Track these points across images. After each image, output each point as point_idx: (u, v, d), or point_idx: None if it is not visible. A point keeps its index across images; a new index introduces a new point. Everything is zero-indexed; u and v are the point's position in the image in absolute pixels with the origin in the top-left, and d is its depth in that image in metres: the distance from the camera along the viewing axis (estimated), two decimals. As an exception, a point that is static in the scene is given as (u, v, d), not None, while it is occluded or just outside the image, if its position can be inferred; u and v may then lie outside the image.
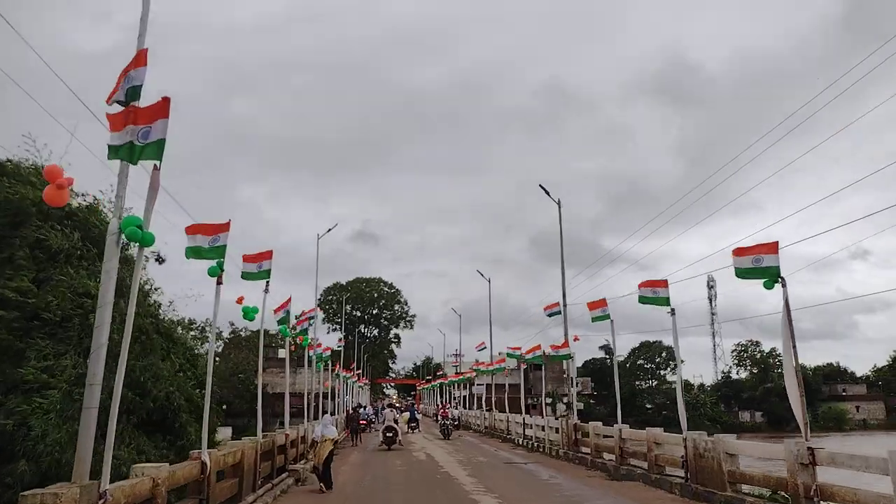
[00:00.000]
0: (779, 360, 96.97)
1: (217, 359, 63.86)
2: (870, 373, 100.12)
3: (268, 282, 12.43)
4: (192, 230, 8.63)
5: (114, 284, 5.38)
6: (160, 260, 17.19)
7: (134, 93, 5.61)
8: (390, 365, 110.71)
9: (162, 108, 5.58)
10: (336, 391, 37.86)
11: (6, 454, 10.96)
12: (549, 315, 21.45)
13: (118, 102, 5.59)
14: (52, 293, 12.37)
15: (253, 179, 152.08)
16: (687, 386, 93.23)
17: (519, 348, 27.56)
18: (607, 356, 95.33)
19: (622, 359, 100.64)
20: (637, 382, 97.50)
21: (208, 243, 8.46)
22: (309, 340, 19.31)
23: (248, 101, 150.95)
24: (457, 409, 43.20)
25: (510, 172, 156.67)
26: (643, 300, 13.07)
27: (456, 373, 58.65)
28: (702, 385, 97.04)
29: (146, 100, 5.65)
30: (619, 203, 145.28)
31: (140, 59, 5.79)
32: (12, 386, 11.54)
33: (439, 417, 31.96)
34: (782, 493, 9.57)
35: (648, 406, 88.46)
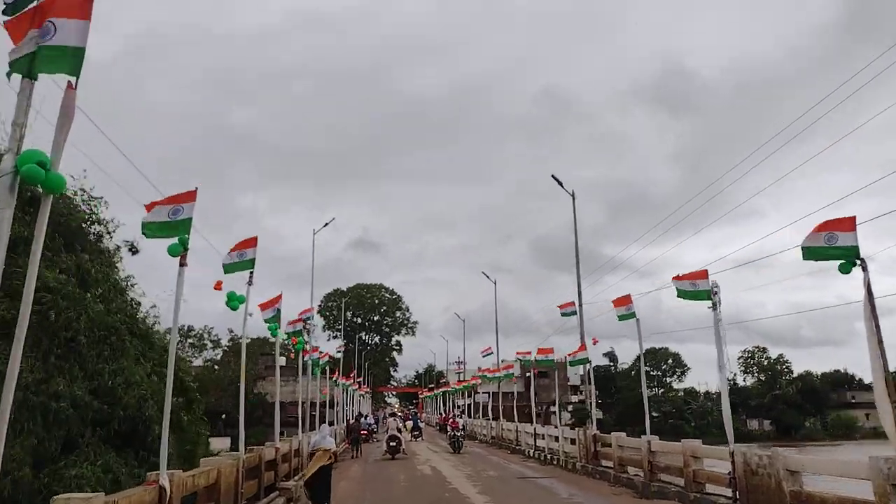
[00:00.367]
0: (786, 367, 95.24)
1: (216, 367, 62.46)
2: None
3: (251, 272, 10.90)
4: (151, 206, 7.08)
5: (3, 244, 3.81)
6: (133, 250, 15.62)
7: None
8: (392, 373, 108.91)
9: (80, 6, 4.05)
10: (336, 400, 36.19)
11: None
12: (564, 315, 19.88)
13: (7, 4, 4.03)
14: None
15: (253, 188, 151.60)
16: (693, 394, 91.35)
17: (529, 353, 25.95)
18: (611, 363, 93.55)
19: (626, 366, 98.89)
20: (642, 390, 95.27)
21: (168, 215, 6.88)
22: (304, 343, 17.67)
23: (247, 109, 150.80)
24: (461, 417, 41.42)
25: (510, 180, 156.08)
26: (682, 295, 11.42)
27: (459, 380, 56.94)
28: (707, 393, 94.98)
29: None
30: (619, 210, 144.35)
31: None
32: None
33: (448, 428, 29.40)
34: (865, 520, 7.95)
35: (655, 414, 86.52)
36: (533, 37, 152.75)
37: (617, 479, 15.63)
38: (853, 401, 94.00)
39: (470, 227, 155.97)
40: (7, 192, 3.92)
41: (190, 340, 63.42)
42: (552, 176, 20.89)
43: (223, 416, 61.16)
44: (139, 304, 15.22)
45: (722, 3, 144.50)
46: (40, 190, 4.35)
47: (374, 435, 38.02)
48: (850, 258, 8.06)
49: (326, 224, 24.69)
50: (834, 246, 8.17)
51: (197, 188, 7.16)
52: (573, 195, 20.77)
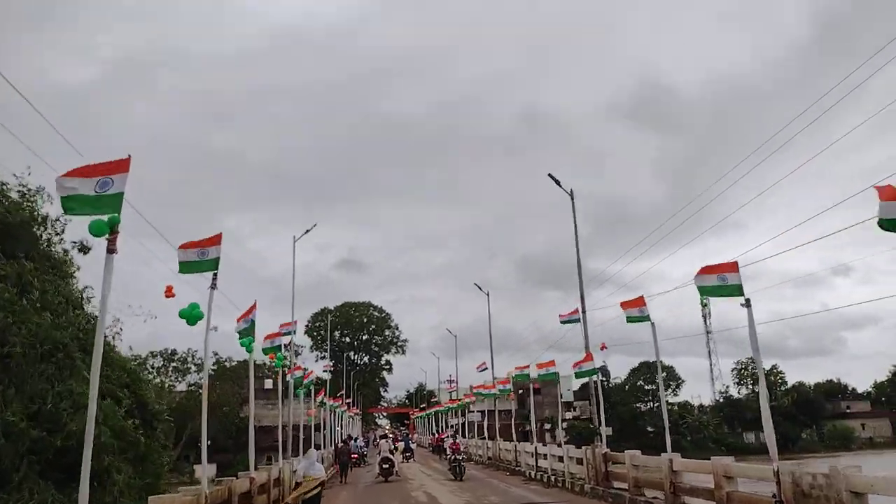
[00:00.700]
0: (780, 378, 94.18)
1: (199, 391, 59.84)
2: (871, 388, 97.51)
3: (215, 274, 9.37)
4: (71, 174, 5.53)
5: None
6: (83, 250, 13.95)
7: None
8: (382, 393, 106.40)
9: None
10: (324, 422, 34.29)
11: None
12: (565, 323, 18.45)
13: None
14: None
15: (236, 210, 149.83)
16: (687, 407, 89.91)
17: (527, 367, 24.45)
18: (604, 378, 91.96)
19: (619, 381, 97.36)
20: (637, 405, 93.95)
21: (95, 189, 5.36)
22: (283, 360, 16.02)
23: (230, 132, 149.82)
24: (455, 437, 39.57)
25: (494, 197, 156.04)
26: (706, 291, 9.98)
27: (451, 398, 55.07)
28: (701, 406, 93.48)
29: None
30: (603, 225, 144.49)
31: None
32: None
33: (447, 451, 25.85)
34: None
35: (650, 429, 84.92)
36: (513, 55, 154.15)
37: (633, 502, 14.08)
38: (848, 410, 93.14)
39: (456, 245, 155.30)
40: None
41: (174, 364, 61.15)
42: (549, 175, 19.64)
43: (209, 441, 58.74)
44: (94, 318, 13.57)
45: (698, 18, 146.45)
46: None
47: (365, 458, 36.15)
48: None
49: (308, 231, 23.15)
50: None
51: (130, 156, 5.65)
52: (572, 194, 19.50)
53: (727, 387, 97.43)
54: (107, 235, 5.42)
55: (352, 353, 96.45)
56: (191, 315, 8.69)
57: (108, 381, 11.86)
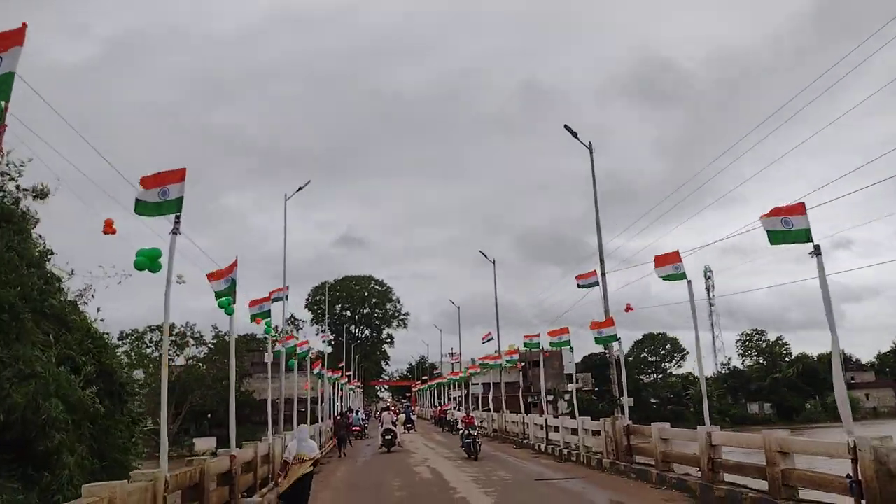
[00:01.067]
0: (785, 349, 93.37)
1: (202, 365, 58.99)
2: (874, 359, 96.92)
3: (178, 217, 7.74)
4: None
5: None
6: (40, 195, 12.27)
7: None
8: (384, 367, 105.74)
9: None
10: (321, 395, 33.06)
11: None
12: (583, 286, 16.87)
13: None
14: None
15: (237, 188, 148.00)
16: (690, 379, 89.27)
17: (537, 335, 22.98)
18: (606, 351, 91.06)
19: (622, 354, 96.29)
20: (640, 377, 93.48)
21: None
22: (272, 328, 14.46)
23: (230, 110, 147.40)
24: (459, 409, 38.44)
25: (494, 174, 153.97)
26: (775, 238, 8.54)
27: (453, 371, 53.95)
28: (706, 378, 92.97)
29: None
30: (603, 202, 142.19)
31: None
32: None
33: (460, 425, 22.73)
34: None
35: (653, 401, 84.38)
36: (511, 31, 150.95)
37: (662, 479, 12.67)
38: (852, 381, 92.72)
39: (456, 221, 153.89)
40: None
41: (172, 338, 60.07)
42: (565, 126, 17.87)
43: (209, 415, 57.85)
44: (60, 279, 11.98)
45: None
46: None
47: (366, 431, 35.16)
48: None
49: (301, 188, 21.39)
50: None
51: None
52: (590, 147, 17.76)
53: (729, 358, 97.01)
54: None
55: (353, 327, 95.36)
56: (148, 260, 7.08)
57: (66, 347, 10.32)
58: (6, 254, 10.42)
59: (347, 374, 57.39)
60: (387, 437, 24.15)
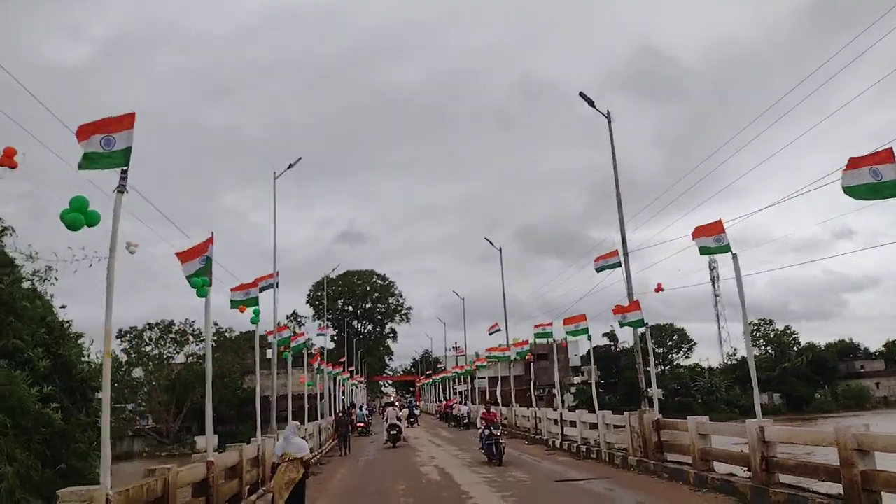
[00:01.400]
0: (794, 339, 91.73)
1: (201, 361, 57.74)
2: (882, 348, 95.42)
3: (125, 171, 6.25)
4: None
5: None
6: None
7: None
8: (387, 362, 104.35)
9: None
10: (320, 392, 31.65)
11: None
12: (602, 269, 15.34)
13: None
14: None
15: (235, 186, 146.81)
16: (698, 370, 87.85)
17: (551, 324, 21.51)
18: (611, 343, 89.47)
19: (628, 346, 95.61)
20: (647, 368, 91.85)
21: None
22: (258, 317, 12.97)
23: (228, 108, 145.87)
24: (465, 405, 37.03)
25: (493, 168, 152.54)
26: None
27: (459, 364, 52.55)
28: (711, 368, 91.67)
29: None
30: (604, 195, 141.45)
31: None
32: None
33: (479, 424, 18.32)
34: None
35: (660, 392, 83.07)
36: (509, 26, 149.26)
37: (701, 480, 11.20)
38: (862, 370, 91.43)
39: (456, 216, 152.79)
40: None
41: (171, 336, 58.77)
42: (580, 94, 16.34)
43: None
44: (12, 261, 10.50)
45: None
46: None
47: (370, 427, 33.91)
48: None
49: (291, 166, 19.85)
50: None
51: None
52: (608, 115, 16.23)
53: (735, 349, 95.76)
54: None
55: (355, 322, 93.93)
56: (79, 213, 5.57)
57: (15, 337, 8.85)
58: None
59: (350, 369, 56.04)
60: (392, 433, 24.47)
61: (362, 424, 32.82)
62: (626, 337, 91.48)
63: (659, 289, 13.91)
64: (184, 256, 9.47)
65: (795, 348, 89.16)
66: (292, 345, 18.47)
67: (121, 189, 6.16)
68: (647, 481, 12.40)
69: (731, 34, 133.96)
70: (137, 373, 55.69)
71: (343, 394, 43.77)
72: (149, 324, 58.96)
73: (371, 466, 18.36)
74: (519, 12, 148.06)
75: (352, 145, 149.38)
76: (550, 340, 23.17)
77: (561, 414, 20.55)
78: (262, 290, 14.38)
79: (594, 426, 17.36)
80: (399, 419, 25.48)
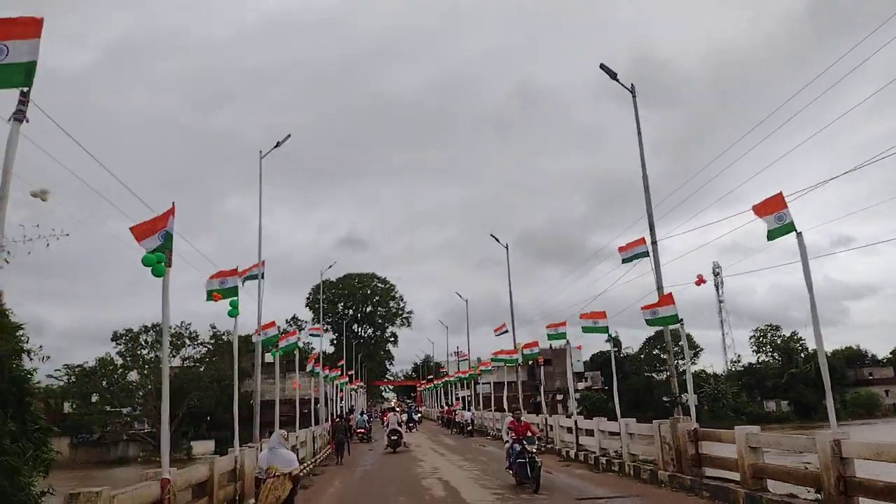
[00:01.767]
0: (801, 345, 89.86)
1: (198, 365, 56.15)
2: (890, 355, 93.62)
3: (25, 94, 4.61)
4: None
5: None
6: None
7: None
8: (388, 367, 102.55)
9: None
10: (314, 395, 29.99)
11: None
12: (628, 259, 13.70)
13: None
14: None
15: (236, 191, 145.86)
16: (704, 376, 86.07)
17: (564, 323, 19.86)
18: (615, 348, 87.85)
19: (633, 351, 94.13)
20: (651, 374, 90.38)
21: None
22: (238, 309, 11.34)
23: (229, 113, 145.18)
24: (469, 410, 35.33)
25: (493, 173, 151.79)
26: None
27: (459, 369, 50.85)
28: (715, 374, 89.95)
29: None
30: (603, 202, 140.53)
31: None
32: None
33: (506, 436, 14.79)
34: None
35: (665, 399, 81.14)
36: (508, 32, 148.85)
37: (754, 501, 9.50)
38: (871, 377, 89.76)
39: (457, 221, 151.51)
40: None
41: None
42: (601, 66, 14.73)
43: (207, 417, 54.90)
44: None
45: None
46: None
47: (370, 434, 32.26)
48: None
49: (278, 144, 18.28)
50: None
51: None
52: (633, 89, 14.61)
53: (739, 356, 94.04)
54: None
55: (355, 326, 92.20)
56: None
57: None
58: None
59: (349, 373, 54.34)
60: (392, 438, 24.60)
61: (362, 431, 31.29)
62: (629, 342, 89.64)
63: (700, 281, 12.25)
64: (139, 232, 7.83)
65: (803, 354, 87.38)
66: (281, 344, 16.81)
67: (18, 117, 4.53)
68: (685, 501, 10.70)
69: (728, 40, 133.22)
70: (133, 376, 54.22)
71: (342, 399, 42.12)
72: (144, 326, 57.49)
73: (368, 478, 16.65)
74: (519, 18, 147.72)
75: (352, 150, 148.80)
76: (559, 344, 21.55)
77: (576, 422, 18.83)
78: (245, 280, 12.74)
79: (614, 434, 15.67)
80: (400, 425, 25.59)
